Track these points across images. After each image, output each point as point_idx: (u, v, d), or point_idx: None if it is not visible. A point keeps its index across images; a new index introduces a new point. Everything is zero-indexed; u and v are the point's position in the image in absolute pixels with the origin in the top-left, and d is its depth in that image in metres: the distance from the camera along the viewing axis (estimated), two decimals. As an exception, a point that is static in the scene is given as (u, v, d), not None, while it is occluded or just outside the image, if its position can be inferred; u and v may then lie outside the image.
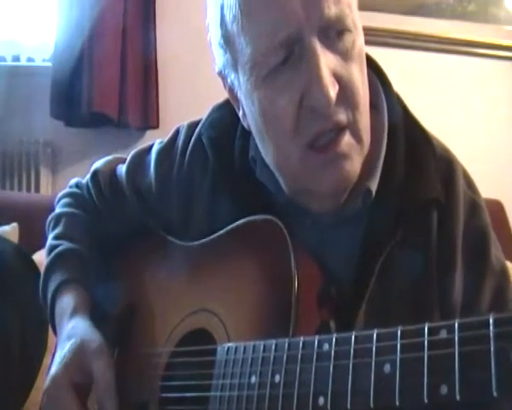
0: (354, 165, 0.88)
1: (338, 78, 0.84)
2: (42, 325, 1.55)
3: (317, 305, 0.85)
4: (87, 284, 1.13)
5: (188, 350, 0.96)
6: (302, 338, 0.74)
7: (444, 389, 0.56)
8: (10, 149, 2.94)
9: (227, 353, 0.85)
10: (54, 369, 1.00)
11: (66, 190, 1.29)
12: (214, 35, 0.93)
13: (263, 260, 0.92)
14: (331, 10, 0.82)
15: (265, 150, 0.93)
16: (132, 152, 1.20)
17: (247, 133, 1.00)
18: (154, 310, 1.09)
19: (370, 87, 0.94)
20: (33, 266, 1.66)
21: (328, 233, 0.95)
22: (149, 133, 2.94)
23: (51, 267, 1.15)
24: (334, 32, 0.84)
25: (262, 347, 0.79)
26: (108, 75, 2.80)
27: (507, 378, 0.52)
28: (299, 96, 0.85)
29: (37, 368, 1.57)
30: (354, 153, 0.88)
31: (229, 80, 0.95)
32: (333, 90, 0.82)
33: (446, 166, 0.97)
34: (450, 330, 0.57)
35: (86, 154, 2.82)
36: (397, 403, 0.60)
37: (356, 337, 0.66)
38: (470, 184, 1.00)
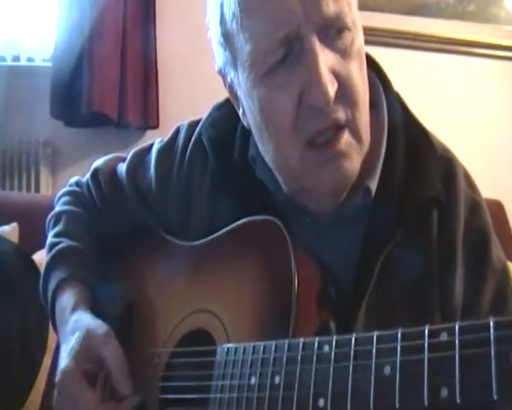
0: (353, 164, 0.88)
1: (337, 75, 0.84)
2: (42, 325, 1.56)
3: (316, 305, 0.85)
4: (87, 281, 1.13)
5: (187, 351, 0.96)
6: (302, 339, 0.74)
7: (444, 392, 0.56)
8: (10, 149, 2.94)
9: (227, 354, 0.85)
10: (63, 362, 1.00)
11: (67, 188, 1.29)
12: (214, 33, 0.93)
13: (263, 261, 0.91)
14: (330, 8, 0.82)
15: (265, 149, 0.93)
16: (133, 151, 1.20)
17: (247, 133, 1.00)
18: (153, 310, 1.09)
19: (370, 86, 0.94)
20: (33, 266, 1.66)
21: (328, 232, 0.95)
22: (149, 133, 2.93)
23: (51, 265, 1.15)
24: (333, 30, 0.84)
25: (262, 348, 0.79)
26: (108, 75, 2.80)
27: (507, 382, 0.52)
28: (298, 93, 0.84)
29: (37, 368, 1.58)
30: (353, 152, 0.88)
31: (228, 78, 0.95)
32: (331, 88, 0.82)
33: (447, 165, 0.97)
34: (451, 332, 0.57)
35: (86, 154, 2.81)
36: (397, 405, 0.60)
37: (356, 339, 0.66)
38: (471, 183, 1.00)
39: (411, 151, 0.96)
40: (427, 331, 0.60)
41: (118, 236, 1.21)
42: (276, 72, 0.85)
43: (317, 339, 0.71)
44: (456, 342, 0.56)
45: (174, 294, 1.06)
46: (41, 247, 1.49)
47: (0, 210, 2.20)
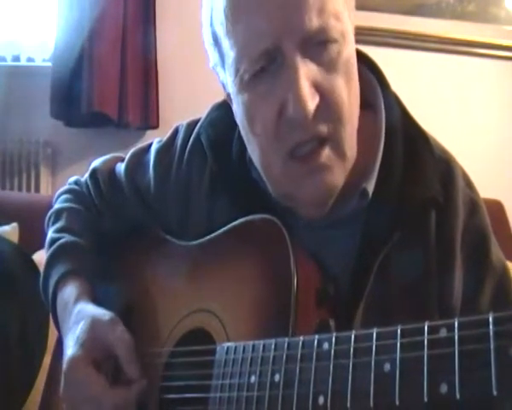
0: (335, 177, 0.88)
1: (320, 89, 0.83)
2: (42, 325, 1.56)
3: (315, 304, 0.85)
4: (89, 276, 1.13)
5: (187, 350, 0.96)
6: (302, 337, 0.74)
7: (444, 388, 0.56)
8: (10, 149, 2.94)
9: (226, 352, 0.85)
10: (69, 351, 1.00)
11: (66, 186, 1.29)
12: (206, 33, 0.94)
13: (262, 260, 0.91)
14: (313, 23, 0.82)
15: (251, 151, 0.93)
16: (131, 151, 1.20)
17: None
18: (152, 310, 1.08)
19: (367, 86, 0.94)
20: (33, 266, 1.67)
21: (326, 233, 0.95)
22: (149, 133, 2.93)
23: (52, 260, 1.15)
24: (317, 43, 0.83)
25: (261, 346, 0.79)
26: (108, 75, 2.80)
27: (507, 377, 0.52)
28: (279, 105, 0.84)
29: (37, 368, 1.58)
30: (335, 166, 0.87)
31: (220, 77, 0.95)
32: (311, 103, 0.82)
33: (445, 166, 0.97)
34: (450, 328, 0.57)
35: (86, 154, 2.81)
36: (397, 402, 0.60)
37: (356, 336, 0.66)
38: (469, 183, 1.00)
39: (409, 152, 0.95)
40: (426, 328, 0.60)
41: (116, 235, 1.21)
42: (259, 80, 0.85)
43: (316, 337, 0.71)
44: (456, 337, 0.56)
45: (173, 294, 1.06)
46: (41, 247, 1.49)
47: (0, 210, 2.20)
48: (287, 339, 0.76)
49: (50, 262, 1.15)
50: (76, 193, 1.26)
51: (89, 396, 0.97)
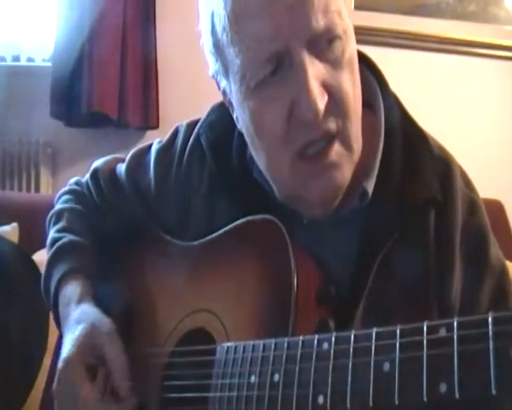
0: (344, 174, 0.89)
1: (328, 87, 0.84)
2: (42, 325, 1.56)
3: (316, 304, 0.85)
4: (91, 275, 1.13)
5: (187, 350, 0.96)
6: (301, 337, 0.74)
7: (443, 388, 0.56)
8: (10, 149, 2.94)
9: (226, 352, 0.85)
10: (66, 351, 1.01)
11: (67, 187, 1.29)
12: (206, 42, 0.93)
13: (262, 260, 0.92)
14: (319, 23, 0.82)
15: (257, 156, 0.94)
16: (132, 151, 1.21)
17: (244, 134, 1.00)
18: (153, 310, 1.09)
19: (367, 87, 0.94)
20: (33, 265, 1.67)
21: (326, 233, 0.95)
22: (149, 133, 2.93)
23: (54, 259, 1.16)
24: (323, 42, 0.84)
25: (261, 346, 0.79)
26: (108, 75, 2.80)
27: (506, 377, 0.52)
28: (288, 107, 0.84)
29: (37, 368, 1.58)
30: (344, 162, 0.88)
31: (221, 86, 0.95)
32: (321, 102, 0.82)
33: (443, 165, 0.97)
34: (450, 328, 0.57)
35: (86, 154, 2.81)
36: (396, 402, 0.60)
37: (355, 336, 0.66)
38: (468, 182, 1.00)
39: (408, 152, 0.96)
40: (425, 328, 0.60)
41: (117, 236, 1.21)
42: (266, 85, 0.85)
43: (316, 337, 0.71)
44: (455, 337, 0.56)
45: (173, 294, 1.06)
46: (41, 247, 1.49)
47: (0, 210, 2.20)
48: (286, 339, 0.76)
49: (52, 261, 1.16)
50: (77, 193, 1.26)
51: (77, 397, 0.98)
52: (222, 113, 1.06)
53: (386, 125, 0.96)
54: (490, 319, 0.54)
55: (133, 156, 1.19)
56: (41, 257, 1.43)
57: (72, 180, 1.30)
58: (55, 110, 2.80)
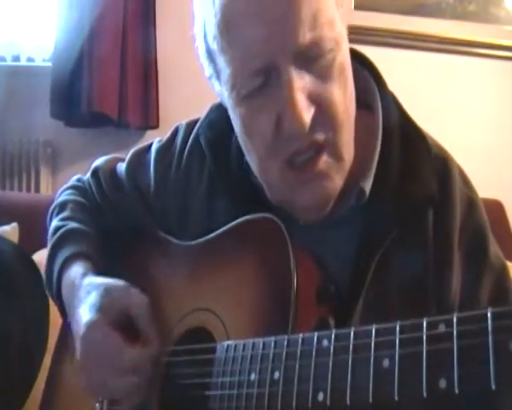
0: (334, 183, 0.89)
1: (315, 99, 0.84)
2: (42, 325, 1.56)
3: (315, 302, 0.85)
4: (94, 261, 1.13)
5: (187, 349, 0.96)
6: (301, 335, 0.74)
7: (442, 383, 0.56)
8: (10, 149, 2.94)
9: (226, 351, 0.85)
10: (86, 317, 1.00)
11: (69, 183, 1.30)
12: (200, 46, 0.94)
13: (261, 258, 0.92)
14: (306, 38, 0.82)
15: (250, 159, 0.94)
16: (132, 150, 1.21)
17: None
18: (153, 309, 1.08)
19: (364, 86, 0.95)
20: (33, 266, 1.66)
21: (324, 232, 0.95)
22: (149, 133, 2.93)
23: (57, 245, 1.15)
24: (311, 54, 0.84)
25: (261, 344, 0.79)
26: (108, 75, 2.80)
27: (505, 371, 0.52)
28: (275, 119, 0.85)
29: (37, 368, 1.57)
30: (333, 171, 0.88)
31: (216, 89, 0.96)
32: (307, 115, 0.83)
33: (441, 164, 0.97)
34: (449, 324, 0.57)
35: (86, 154, 2.81)
36: (396, 398, 0.60)
37: (355, 333, 0.66)
38: (466, 181, 1.00)
39: (406, 151, 0.96)
40: (425, 324, 0.60)
41: (117, 235, 1.21)
42: (255, 95, 0.86)
43: (316, 334, 0.71)
44: (455, 333, 0.56)
45: (173, 293, 1.06)
46: (41, 247, 1.49)
47: (0, 210, 2.20)
48: (286, 336, 0.76)
49: (56, 246, 1.15)
50: (80, 189, 1.26)
51: (107, 355, 0.97)
52: (221, 112, 1.06)
53: (383, 124, 0.96)
54: (489, 314, 0.54)
55: (133, 155, 1.20)
56: (41, 257, 1.42)
57: (74, 178, 1.30)
58: (55, 110, 2.80)
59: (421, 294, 0.92)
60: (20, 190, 2.94)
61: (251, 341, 0.81)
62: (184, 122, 1.16)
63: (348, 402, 0.65)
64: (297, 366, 0.72)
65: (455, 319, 0.56)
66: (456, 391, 0.54)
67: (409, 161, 0.95)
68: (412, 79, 3.01)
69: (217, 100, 1.09)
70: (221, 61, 0.88)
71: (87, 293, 1.04)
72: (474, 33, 3.15)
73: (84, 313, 1.01)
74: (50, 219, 1.24)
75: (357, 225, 0.93)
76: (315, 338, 0.71)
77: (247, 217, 0.95)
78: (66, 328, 1.12)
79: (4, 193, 2.78)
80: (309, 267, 0.88)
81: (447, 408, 0.62)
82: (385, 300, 0.91)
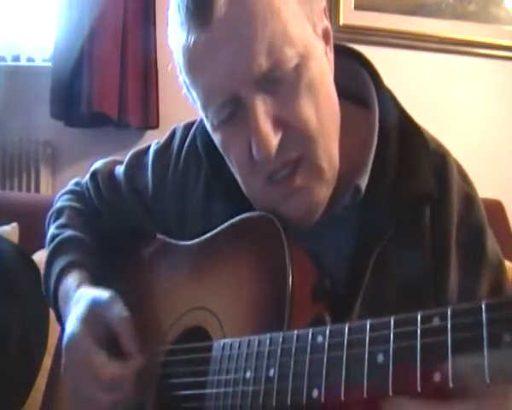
0: (315, 194, 0.89)
1: (283, 121, 0.85)
2: (42, 325, 1.56)
3: (311, 299, 0.85)
4: (90, 269, 1.14)
5: (184, 348, 0.96)
6: (296, 331, 0.74)
7: (437, 377, 0.55)
8: (10, 149, 2.94)
9: (222, 349, 0.85)
10: (70, 328, 1.01)
11: (67, 187, 1.30)
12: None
13: (257, 256, 0.91)
14: (263, 66, 0.83)
15: (234, 174, 0.95)
16: (130, 153, 1.21)
17: None
18: (151, 309, 1.08)
19: (361, 84, 0.95)
20: (33, 265, 1.67)
21: (321, 230, 0.94)
22: (149, 133, 2.94)
23: (53, 254, 1.16)
24: (273, 78, 0.84)
25: (257, 341, 0.79)
26: (108, 75, 2.80)
27: (499, 364, 0.51)
28: (247, 145, 0.87)
29: (37, 368, 1.58)
30: (313, 183, 0.89)
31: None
32: (274, 140, 0.84)
33: (439, 159, 0.97)
34: (443, 317, 0.57)
35: (86, 154, 2.82)
36: (390, 393, 0.59)
37: (349, 328, 0.66)
38: (464, 177, 1.00)
39: (404, 147, 0.95)
40: (419, 317, 0.59)
41: (115, 237, 1.22)
42: (227, 124, 0.89)
43: (310, 330, 0.71)
44: (449, 326, 0.56)
45: (171, 293, 1.06)
46: (41, 247, 1.49)
47: (0, 210, 2.20)
48: (281, 333, 0.75)
49: (51, 256, 1.16)
50: (77, 193, 1.27)
51: (89, 369, 0.97)
52: None
53: (380, 121, 0.96)
54: (483, 306, 0.53)
55: (131, 157, 1.20)
56: (41, 257, 1.42)
57: (72, 181, 1.30)
58: (54, 110, 2.81)
59: (419, 291, 0.91)
60: (20, 190, 2.95)
61: (247, 338, 0.81)
62: (182, 124, 1.16)
63: (342, 398, 0.64)
64: (292, 362, 0.72)
65: (449, 312, 0.56)
66: (451, 385, 0.54)
67: (406, 157, 0.95)
68: (412, 79, 3.01)
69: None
70: (193, 93, 0.91)
71: (76, 303, 1.05)
72: (474, 33, 3.15)
73: (70, 323, 1.03)
74: (48, 225, 1.25)
75: (354, 222, 0.93)
76: (309, 334, 0.71)
77: (243, 215, 0.95)
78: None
79: (4, 193, 2.78)
80: (304, 265, 0.88)
81: None
82: (383, 298, 0.91)
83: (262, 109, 0.84)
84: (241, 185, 0.94)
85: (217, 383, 0.84)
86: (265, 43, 0.82)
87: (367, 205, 0.92)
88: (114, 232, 1.22)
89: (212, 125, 0.91)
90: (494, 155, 3.11)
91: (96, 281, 1.11)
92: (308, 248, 0.90)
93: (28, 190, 2.94)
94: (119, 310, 1.01)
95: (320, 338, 0.69)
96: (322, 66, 0.90)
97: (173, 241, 1.10)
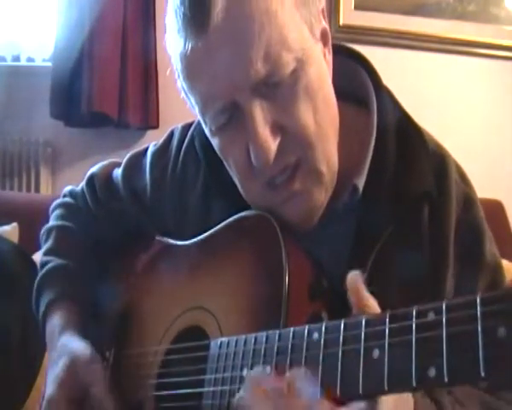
0: (314, 197, 0.90)
1: (280, 126, 0.85)
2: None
3: (308, 298, 0.84)
4: (76, 296, 1.14)
5: (182, 347, 0.96)
6: (292, 328, 0.74)
7: (432, 372, 0.55)
8: (10, 149, 2.94)
9: (220, 347, 0.85)
10: (48, 390, 1.02)
11: (60, 200, 1.30)
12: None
13: (254, 255, 0.91)
14: (260, 72, 0.83)
15: (233, 178, 0.95)
16: (128, 154, 1.22)
17: None
18: (149, 309, 1.09)
19: (360, 84, 0.95)
20: (33, 266, 1.66)
21: (320, 229, 0.94)
22: (149, 133, 2.94)
23: (41, 286, 1.17)
24: (270, 83, 0.84)
25: (253, 339, 0.78)
26: (108, 75, 2.80)
27: (494, 358, 0.51)
28: (245, 151, 0.87)
29: (37, 368, 1.58)
30: (312, 186, 0.89)
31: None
32: (273, 145, 0.84)
33: (438, 160, 0.97)
34: (438, 311, 0.57)
35: (86, 154, 2.82)
36: (386, 388, 0.59)
37: (345, 324, 0.66)
38: (463, 177, 1.00)
39: (403, 147, 0.95)
40: (414, 312, 0.59)
41: (114, 240, 1.22)
42: (225, 130, 0.89)
43: (306, 327, 0.71)
44: (444, 320, 0.55)
45: (169, 293, 1.06)
46: (41, 247, 1.49)
47: (0, 210, 2.20)
48: (278, 331, 0.75)
49: (39, 289, 1.17)
50: (69, 207, 1.27)
51: None
52: None
53: (379, 120, 0.96)
54: (478, 300, 0.53)
55: (129, 159, 1.20)
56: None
57: (67, 189, 1.30)
58: (54, 110, 2.81)
59: (417, 290, 0.91)
60: (20, 190, 2.95)
61: (243, 336, 0.81)
62: (180, 125, 1.17)
63: (338, 395, 0.64)
64: (288, 360, 0.72)
65: (444, 307, 0.56)
66: (446, 380, 0.54)
67: (405, 156, 0.95)
68: (412, 79, 3.01)
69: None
70: (191, 99, 0.91)
71: (58, 357, 1.05)
72: (474, 33, 3.15)
73: (49, 382, 1.03)
74: (42, 243, 1.26)
75: (353, 221, 0.93)
76: (305, 331, 0.71)
77: (240, 214, 0.95)
78: None
79: (4, 193, 2.78)
80: (302, 263, 0.87)
81: None
82: (382, 297, 0.90)
83: (260, 115, 0.84)
84: (240, 189, 0.94)
85: (214, 381, 0.84)
86: (262, 49, 0.82)
87: (365, 204, 0.92)
88: (112, 236, 1.22)
89: (211, 130, 0.91)
90: (494, 155, 3.11)
91: (83, 307, 1.13)
92: (306, 246, 0.90)
93: (28, 190, 2.95)
94: (98, 373, 1.02)
95: (316, 335, 0.69)
96: (320, 69, 0.90)
97: (171, 241, 1.10)
